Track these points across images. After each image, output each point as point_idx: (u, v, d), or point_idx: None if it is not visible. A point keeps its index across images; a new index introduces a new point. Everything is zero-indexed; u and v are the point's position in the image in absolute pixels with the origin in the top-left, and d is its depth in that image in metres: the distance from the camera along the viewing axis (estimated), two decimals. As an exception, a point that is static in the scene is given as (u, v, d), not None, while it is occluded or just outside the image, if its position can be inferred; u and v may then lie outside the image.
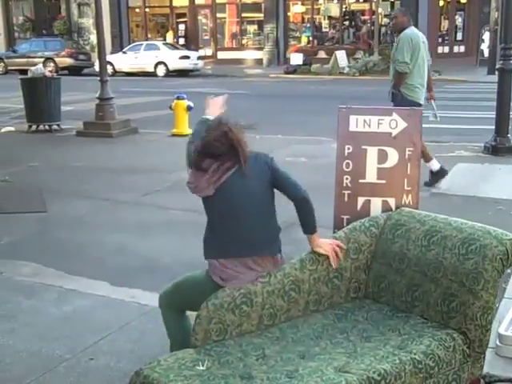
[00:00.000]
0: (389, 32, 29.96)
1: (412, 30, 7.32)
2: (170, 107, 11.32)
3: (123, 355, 3.50)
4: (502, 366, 3.23)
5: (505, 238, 2.77)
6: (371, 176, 3.53)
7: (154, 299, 4.28)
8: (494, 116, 9.05)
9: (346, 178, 3.55)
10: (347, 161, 3.57)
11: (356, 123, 3.58)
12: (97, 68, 21.13)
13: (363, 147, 3.54)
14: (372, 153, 3.53)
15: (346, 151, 3.57)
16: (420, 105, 7.06)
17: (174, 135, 11.14)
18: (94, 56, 27.37)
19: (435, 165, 7.26)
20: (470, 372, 2.77)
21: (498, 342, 3.35)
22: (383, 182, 3.51)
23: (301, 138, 10.69)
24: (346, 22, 31.17)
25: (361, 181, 3.54)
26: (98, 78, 11.60)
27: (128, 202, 6.81)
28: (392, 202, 3.48)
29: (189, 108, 11.18)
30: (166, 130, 11.40)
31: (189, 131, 11.18)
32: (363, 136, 3.53)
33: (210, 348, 2.69)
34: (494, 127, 8.97)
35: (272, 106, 15.69)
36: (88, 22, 35.33)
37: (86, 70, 28.85)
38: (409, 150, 3.50)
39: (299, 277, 2.99)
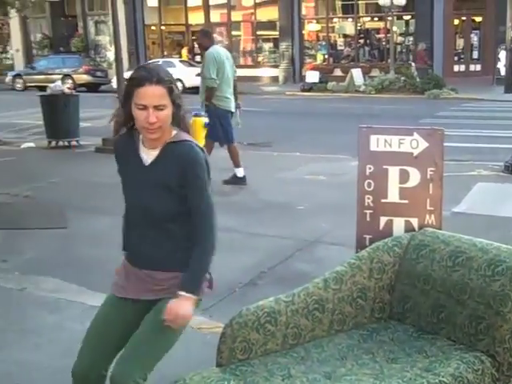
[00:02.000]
0: (404, 50, 30.12)
1: (215, 49, 8.21)
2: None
3: (146, 373, 3.50)
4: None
5: (531, 260, 2.77)
6: (393, 196, 3.53)
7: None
8: (513, 135, 9.04)
9: (368, 198, 3.56)
10: (369, 180, 3.57)
11: (377, 143, 3.59)
12: (114, 85, 21.32)
13: (384, 167, 3.54)
14: (393, 172, 3.53)
15: (368, 171, 3.58)
16: (232, 112, 8.31)
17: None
18: (111, 73, 27.64)
19: (241, 172, 8.32)
20: (498, 395, 2.75)
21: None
22: (405, 201, 3.51)
23: (319, 156, 10.71)
24: (361, 40, 31.28)
25: (383, 200, 3.54)
26: (116, 95, 11.70)
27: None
28: (415, 222, 3.48)
29: (206, 125, 11.22)
30: (183, 147, 11.43)
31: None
32: (384, 156, 3.54)
33: (235, 367, 2.68)
34: (513, 146, 8.96)
35: (289, 124, 15.74)
36: (104, 39, 35.72)
37: (103, 87, 29.11)
38: (430, 170, 3.50)
39: (323, 296, 2.99)
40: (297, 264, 5.20)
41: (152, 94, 2.42)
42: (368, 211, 3.57)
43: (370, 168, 3.57)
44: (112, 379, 2.46)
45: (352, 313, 3.06)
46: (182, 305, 2.48)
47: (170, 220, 2.53)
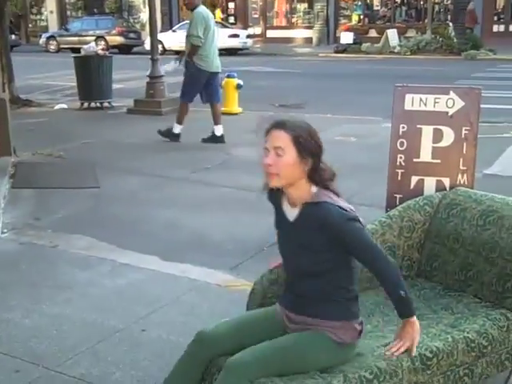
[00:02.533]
0: (442, 10, 29.44)
1: (203, 9, 8.36)
2: (220, 85, 11.33)
3: (175, 328, 3.55)
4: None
5: (563, 220, 2.71)
6: (426, 155, 3.51)
7: (203, 274, 4.37)
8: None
9: (400, 157, 3.55)
10: (401, 140, 3.56)
11: (412, 102, 3.56)
12: (147, 46, 21.33)
13: (418, 126, 3.52)
14: (427, 132, 3.51)
15: (401, 130, 3.57)
16: (211, 73, 8.45)
17: (223, 113, 11.14)
18: (144, 34, 27.60)
19: (219, 130, 8.78)
20: (524, 352, 2.73)
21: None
22: (438, 161, 3.49)
23: (350, 118, 10.62)
24: (398, 0, 30.64)
25: (415, 160, 3.53)
26: (149, 57, 11.69)
27: (179, 179, 6.88)
28: (446, 181, 3.45)
29: (238, 86, 11.19)
30: (215, 108, 11.41)
31: (238, 109, 11.22)
32: (419, 115, 3.51)
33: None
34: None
35: (321, 85, 15.58)
36: (138, 0, 35.61)
37: (135, 49, 29.11)
38: (465, 130, 3.46)
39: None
40: (326, 224, 5.19)
41: (273, 136, 2.37)
42: (399, 170, 3.57)
43: (403, 127, 3.56)
44: (227, 363, 2.32)
45: (380, 271, 3.05)
46: (411, 329, 2.37)
47: (312, 276, 2.43)
